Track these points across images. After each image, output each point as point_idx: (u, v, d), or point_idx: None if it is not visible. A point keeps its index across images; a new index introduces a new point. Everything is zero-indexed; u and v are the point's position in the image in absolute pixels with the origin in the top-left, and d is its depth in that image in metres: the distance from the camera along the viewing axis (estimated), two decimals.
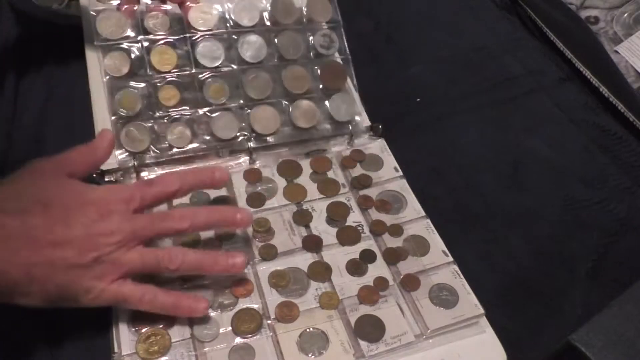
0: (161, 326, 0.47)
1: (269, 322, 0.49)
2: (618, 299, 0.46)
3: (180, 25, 0.59)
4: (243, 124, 0.59)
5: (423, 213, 0.57)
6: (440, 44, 0.78)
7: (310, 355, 0.47)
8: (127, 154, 0.56)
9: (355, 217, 0.56)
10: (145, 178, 0.56)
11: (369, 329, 0.49)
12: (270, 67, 0.61)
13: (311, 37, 0.63)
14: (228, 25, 0.61)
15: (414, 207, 0.58)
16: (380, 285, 0.52)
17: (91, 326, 0.48)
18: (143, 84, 0.57)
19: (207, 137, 0.58)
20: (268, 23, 0.62)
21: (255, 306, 0.49)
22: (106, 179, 0.55)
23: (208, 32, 0.60)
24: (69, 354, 0.48)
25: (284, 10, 0.63)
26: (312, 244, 0.54)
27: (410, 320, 0.50)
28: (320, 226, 0.55)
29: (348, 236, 0.55)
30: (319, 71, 0.63)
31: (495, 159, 0.66)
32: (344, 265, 0.53)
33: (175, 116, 0.58)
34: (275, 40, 0.62)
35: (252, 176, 0.58)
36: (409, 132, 0.67)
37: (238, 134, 0.59)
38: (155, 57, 0.58)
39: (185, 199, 0.55)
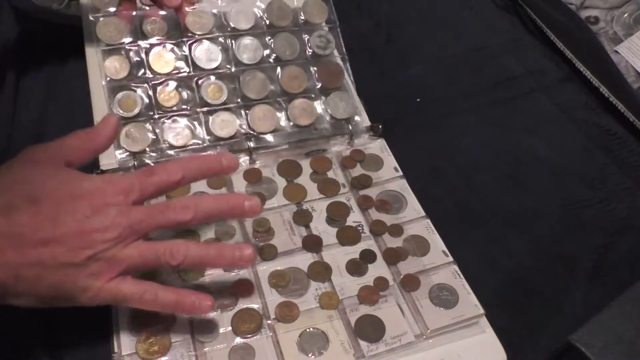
0: (161, 326, 0.47)
1: (269, 322, 0.49)
2: (618, 299, 0.46)
3: (177, 30, 0.60)
4: (242, 124, 0.60)
5: (423, 213, 0.57)
6: (440, 44, 0.78)
7: (310, 355, 0.47)
8: (127, 154, 0.56)
9: (355, 217, 0.56)
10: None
11: (369, 329, 0.49)
12: (267, 68, 0.62)
13: (307, 38, 0.64)
14: (224, 28, 0.62)
15: (414, 207, 0.58)
16: (380, 285, 0.51)
17: (91, 326, 0.47)
18: (142, 86, 0.58)
19: (207, 137, 0.58)
20: (265, 24, 0.63)
21: (255, 306, 0.49)
22: None
23: (205, 36, 0.60)
24: (69, 354, 0.48)
25: (279, 13, 0.63)
26: (312, 244, 0.54)
27: (410, 320, 0.50)
28: (320, 226, 0.55)
29: (348, 236, 0.55)
30: (316, 71, 0.63)
31: (495, 159, 0.66)
32: (344, 265, 0.53)
33: (175, 116, 0.58)
34: (271, 42, 0.62)
35: (252, 176, 0.58)
36: (409, 132, 0.67)
37: (237, 133, 0.59)
38: (154, 59, 0.59)
39: None
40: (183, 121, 0.58)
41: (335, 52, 0.65)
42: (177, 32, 0.60)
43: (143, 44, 0.59)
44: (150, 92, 0.58)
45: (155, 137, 0.57)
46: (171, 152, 0.57)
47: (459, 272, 0.53)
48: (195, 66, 0.60)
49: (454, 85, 0.73)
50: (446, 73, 0.74)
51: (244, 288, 0.50)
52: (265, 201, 0.57)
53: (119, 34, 0.59)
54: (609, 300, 0.46)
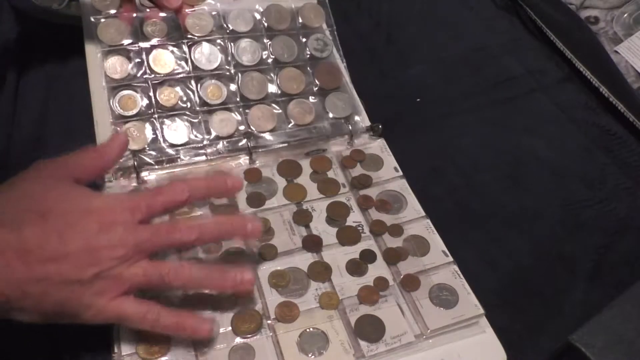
0: None
1: (269, 322, 0.49)
2: (618, 299, 0.46)
3: (177, 31, 0.61)
4: (241, 123, 0.60)
5: (423, 213, 0.57)
6: (440, 44, 0.78)
7: (310, 355, 0.47)
8: (127, 152, 0.56)
9: (355, 217, 0.56)
10: (145, 177, 0.56)
11: (369, 329, 0.49)
12: (265, 69, 0.62)
13: (305, 41, 0.64)
14: (224, 30, 0.62)
15: (414, 207, 0.58)
16: (380, 285, 0.51)
17: (91, 326, 0.47)
18: (142, 85, 0.58)
19: (206, 135, 0.58)
20: (264, 27, 0.64)
21: (255, 306, 0.49)
22: (105, 179, 0.55)
23: (204, 38, 0.61)
24: (69, 354, 0.48)
25: (277, 17, 0.64)
26: (312, 244, 0.54)
27: (410, 320, 0.50)
28: (320, 226, 0.55)
29: (348, 236, 0.55)
30: (314, 72, 0.63)
31: (495, 159, 0.66)
32: (344, 265, 0.53)
33: (174, 115, 0.58)
34: (270, 44, 0.63)
35: (252, 176, 0.58)
36: (409, 132, 0.67)
37: (236, 132, 0.59)
38: (154, 60, 0.59)
39: None
40: (182, 120, 0.58)
41: (335, 53, 0.65)
42: (177, 33, 0.61)
43: (143, 45, 0.59)
44: (151, 92, 0.58)
45: (154, 135, 0.57)
46: (171, 150, 0.57)
47: (459, 272, 0.53)
48: (194, 67, 0.60)
49: (454, 85, 0.73)
50: (446, 73, 0.74)
51: None
52: (265, 201, 0.57)
53: (119, 35, 0.59)
54: (609, 300, 0.46)
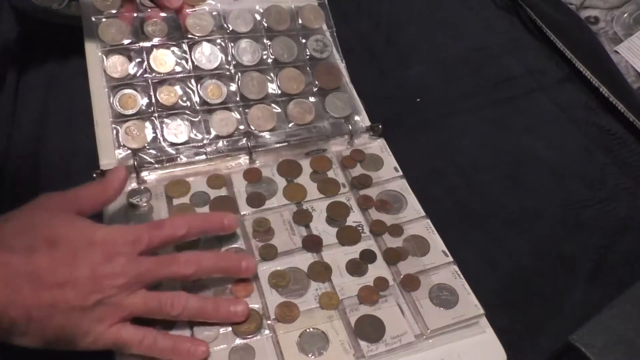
0: (161, 327, 0.47)
1: (269, 322, 0.48)
2: (618, 299, 0.46)
3: (178, 31, 0.61)
4: (241, 123, 0.60)
5: (423, 213, 0.57)
6: (440, 44, 0.78)
7: (310, 355, 0.47)
8: (127, 152, 0.56)
9: (355, 217, 0.56)
10: (145, 177, 0.56)
11: (369, 329, 0.49)
12: (265, 69, 0.62)
13: (304, 42, 0.65)
14: (224, 31, 0.62)
15: (414, 207, 0.58)
16: (380, 285, 0.51)
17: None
18: (143, 85, 0.58)
19: (206, 135, 0.58)
20: (264, 28, 0.64)
21: (255, 306, 0.49)
22: None
23: (204, 38, 0.61)
24: (69, 353, 0.48)
25: (277, 17, 0.64)
26: (312, 244, 0.54)
27: (410, 320, 0.50)
28: (320, 226, 0.55)
29: (348, 236, 0.55)
30: (314, 72, 0.64)
31: (495, 159, 0.66)
32: (344, 265, 0.53)
33: (174, 114, 0.58)
34: (269, 45, 0.63)
35: (252, 176, 0.58)
36: (409, 132, 0.67)
37: (236, 131, 0.59)
38: (154, 59, 0.59)
39: (186, 199, 0.55)
40: (182, 119, 0.59)
41: (335, 54, 0.65)
42: (178, 33, 0.61)
43: (144, 44, 0.59)
44: (151, 91, 0.58)
45: (154, 134, 0.57)
46: (171, 149, 0.57)
47: (459, 272, 0.53)
48: (195, 67, 0.60)
49: (454, 85, 0.73)
50: (446, 73, 0.74)
51: (244, 288, 0.50)
52: (265, 201, 0.57)
53: (120, 35, 0.59)
54: (609, 300, 0.46)
